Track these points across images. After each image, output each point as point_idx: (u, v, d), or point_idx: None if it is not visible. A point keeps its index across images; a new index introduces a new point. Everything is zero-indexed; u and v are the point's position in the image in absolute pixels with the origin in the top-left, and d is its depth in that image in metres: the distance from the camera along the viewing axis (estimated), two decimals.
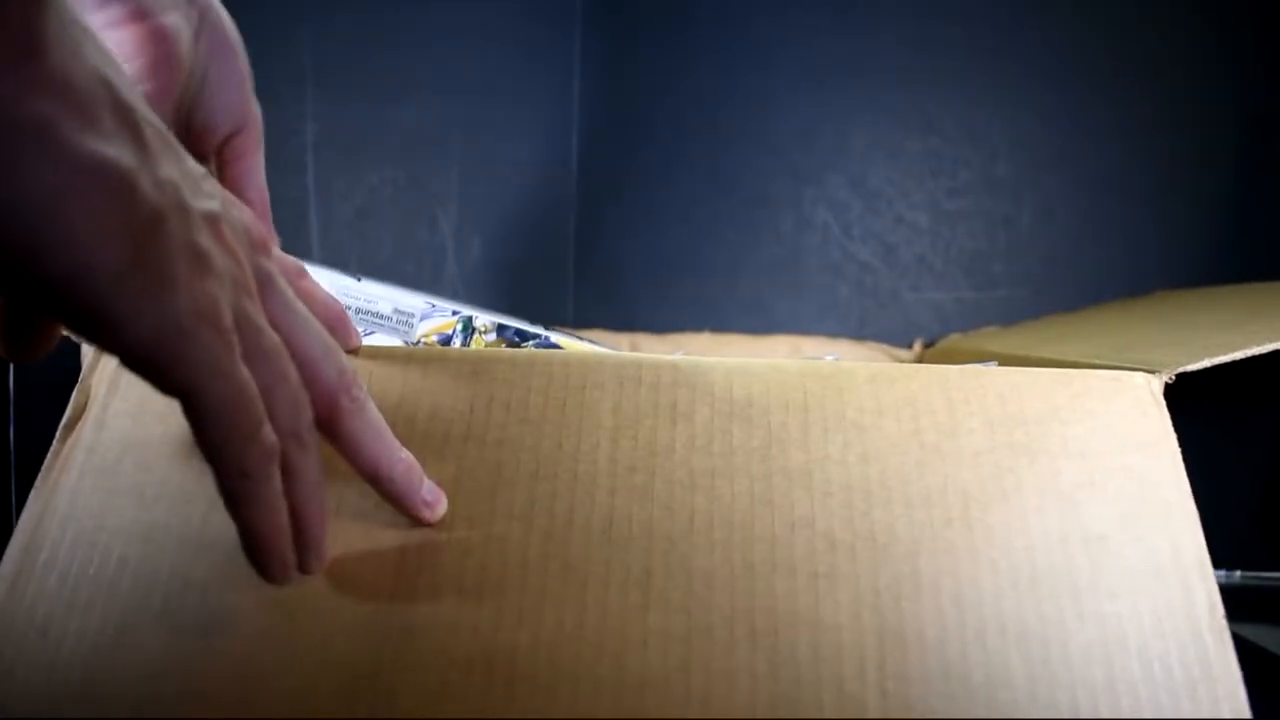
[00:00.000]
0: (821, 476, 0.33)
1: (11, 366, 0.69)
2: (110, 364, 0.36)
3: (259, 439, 0.25)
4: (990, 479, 0.33)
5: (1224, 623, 0.30)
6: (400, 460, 0.31)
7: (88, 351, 0.37)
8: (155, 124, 0.24)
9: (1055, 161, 0.69)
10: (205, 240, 0.24)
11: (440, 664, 0.29)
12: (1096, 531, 0.32)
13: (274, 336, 0.26)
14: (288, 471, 0.27)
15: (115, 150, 0.22)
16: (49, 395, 0.36)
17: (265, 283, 0.27)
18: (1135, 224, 0.69)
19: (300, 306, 0.28)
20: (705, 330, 0.69)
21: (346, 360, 0.29)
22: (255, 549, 0.27)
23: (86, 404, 0.35)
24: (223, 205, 0.26)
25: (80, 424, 0.35)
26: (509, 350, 0.43)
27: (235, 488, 0.25)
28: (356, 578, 0.31)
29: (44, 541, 0.32)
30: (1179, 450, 0.34)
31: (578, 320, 0.69)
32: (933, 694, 0.28)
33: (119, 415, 0.35)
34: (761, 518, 0.32)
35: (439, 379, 0.36)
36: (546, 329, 0.46)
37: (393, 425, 0.31)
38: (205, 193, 0.25)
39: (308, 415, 0.27)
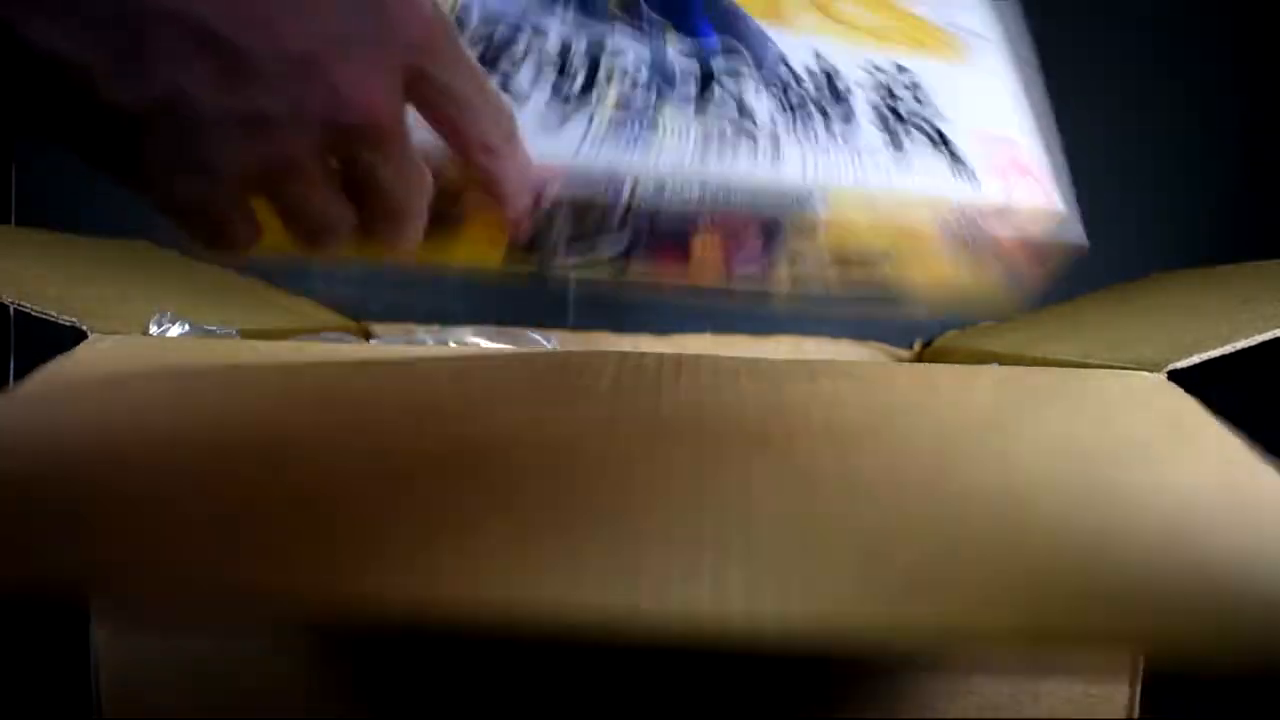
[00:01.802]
0: (837, 417, 0.32)
1: (11, 366, 0.69)
2: (102, 343, 0.36)
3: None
4: (1009, 430, 0.32)
5: None
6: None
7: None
8: None
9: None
10: None
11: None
12: (1139, 438, 0.30)
13: None
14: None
15: None
16: None
17: None
18: (1136, 224, 0.68)
19: None
20: (706, 331, 0.69)
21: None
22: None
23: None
24: None
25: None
26: (497, 351, 0.43)
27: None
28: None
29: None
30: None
31: (577, 321, 0.69)
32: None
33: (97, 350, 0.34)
34: (773, 424, 0.31)
35: (426, 375, 0.36)
36: None
37: (379, 416, 0.30)
38: None
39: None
